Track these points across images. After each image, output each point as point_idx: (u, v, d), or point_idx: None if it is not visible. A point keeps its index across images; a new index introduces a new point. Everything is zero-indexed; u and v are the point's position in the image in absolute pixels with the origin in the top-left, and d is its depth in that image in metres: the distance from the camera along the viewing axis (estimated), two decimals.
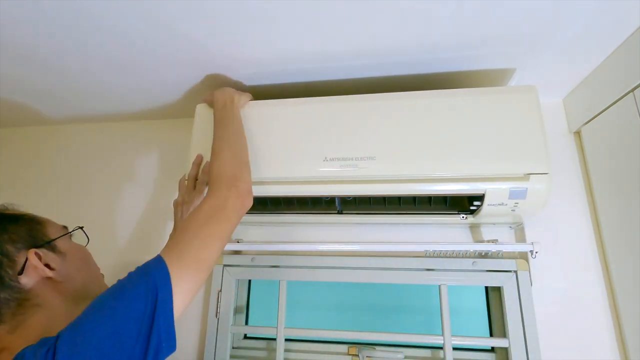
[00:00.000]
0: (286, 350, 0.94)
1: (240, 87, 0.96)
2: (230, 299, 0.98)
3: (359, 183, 0.77)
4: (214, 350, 0.94)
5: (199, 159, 0.83)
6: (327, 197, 0.84)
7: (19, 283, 0.50)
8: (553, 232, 0.90)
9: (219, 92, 0.84)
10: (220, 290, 0.98)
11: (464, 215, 0.84)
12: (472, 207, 0.81)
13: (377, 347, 0.94)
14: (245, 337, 1.06)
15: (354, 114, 0.80)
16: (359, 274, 0.95)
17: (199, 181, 0.82)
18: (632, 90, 0.74)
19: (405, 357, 0.93)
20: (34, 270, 0.52)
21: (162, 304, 0.46)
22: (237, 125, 0.78)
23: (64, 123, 1.26)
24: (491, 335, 0.95)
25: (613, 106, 0.80)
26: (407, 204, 0.87)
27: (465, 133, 0.75)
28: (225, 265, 1.00)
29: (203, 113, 0.88)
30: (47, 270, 0.53)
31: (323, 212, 0.89)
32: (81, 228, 0.67)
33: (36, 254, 0.53)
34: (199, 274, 0.52)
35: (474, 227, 0.96)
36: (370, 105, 0.80)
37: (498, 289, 0.93)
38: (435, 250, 0.90)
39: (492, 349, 0.94)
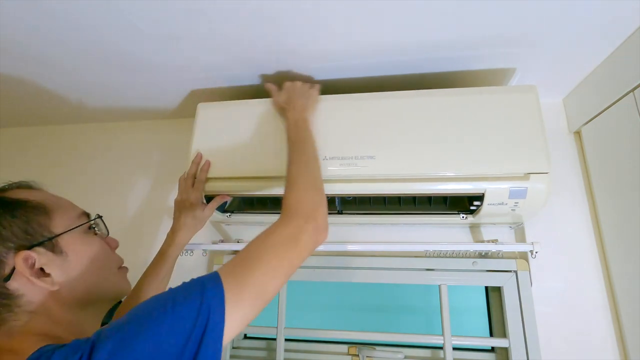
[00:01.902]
0: (286, 350, 0.93)
1: (241, 86, 0.96)
2: None
3: (358, 182, 0.77)
4: None
5: (199, 157, 0.83)
6: (327, 197, 0.84)
7: (7, 289, 0.44)
8: (553, 232, 0.90)
9: (293, 99, 0.79)
10: None
11: (464, 215, 0.84)
12: (472, 207, 0.81)
13: (377, 347, 0.94)
14: (245, 337, 1.06)
15: (354, 113, 0.80)
16: (359, 274, 0.95)
17: (197, 179, 0.82)
18: (632, 90, 0.74)
19: (405, 357, 0.93)
20: (22, 276, 0.45)
21: (212, 331, 0.41)
22: (313, 146, 0.71)
23: (64, 123, 1.27)
24: (491, 335, 0.95)
25: (613, 106, 0.80)
26: (407, 203, 0.87)
27: (465, 132, 0.75)
28: None
29: (204, 113, 0.88)
30: (37, 279, 0.45)
31: None
32: (100, 217, 0.57)
33: (27, 257, 0.45)
34: (255, 307, 0.46)
35: (474, 227, 0.96)
36: (370, 104, 0.80)
37: (498, 289, 0.93)
38: (435, 250, 0.90)
39: (492, 349, 0.94)
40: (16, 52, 0.84)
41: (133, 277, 0.75)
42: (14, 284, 0.44)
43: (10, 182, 0.55)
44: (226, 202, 0.88)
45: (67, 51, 0.83)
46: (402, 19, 0.70)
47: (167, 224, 0.80)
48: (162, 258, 0.76)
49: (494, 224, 0.93)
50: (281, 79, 0.89)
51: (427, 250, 0.90)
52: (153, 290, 0.73)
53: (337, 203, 0.86)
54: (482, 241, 0.94)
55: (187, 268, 0.99)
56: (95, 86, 1.00)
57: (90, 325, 0.50)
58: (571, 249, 0.89)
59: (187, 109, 1.09)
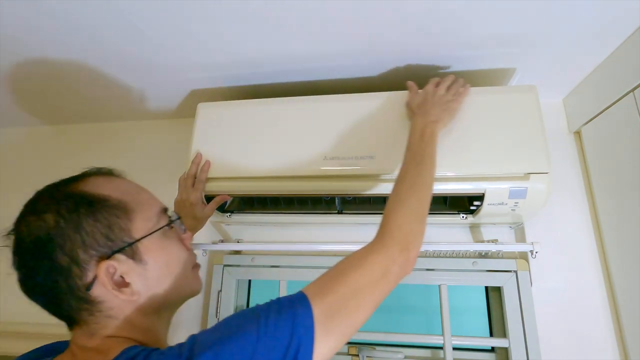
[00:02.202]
0: None
1: (241, 86, 0.96)
2: (230, 299, 0.98)
3: (358, 182, 0.77)
4: None
5: (199, 157, 0.83)
6: (327, 197, 0.84)
7: (89, 296, 0.43)
8: (553, 232, 0.90)
9: (427, 105, 0.71)
10: (221, 291, 0.98)
11: (464, 215, 0.84)
12: (472, 207, 0.81)
13: (377, 347, 0.94)
14: None
15: (354, 113, 0.80)
16: None
17: (197, 179, 0.82)
18: (632, 90, 0.74)
19: (405, 357, 0.93)
20: (103, 286, 0.43)
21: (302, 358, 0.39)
22: (432, 165, 0.63)
23: (63, 123, 1.27)
24: (491, 335, 0.95)
25: (613, 106, 0.80)
26: None
27: (466, 132, 0.75)
28: (225, 265, 1.00)
29: (204, 113, 0.88)
30: (118, 290, 0.44)
31: (323, 212, 0.89)
32: (179, 218, 0.54)
33: (108, 267, 0.43)
34: (343, 340, 0.44)
35: (474, 227, 0.96)
36: (370, 103, 0.80)
37: (498, 289, 0.93)
38: (435, 250, 0.90)
39: (492, 349, 0.94)
40: (15, 51, 0.84)
41: None
42: (95, 292, 0.43)
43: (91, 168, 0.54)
44: (226, 202, 0.88)
45: (66, 51, 0.83)
46: (402, 19, 0.70)
47: None
48: None
49: (494, 224, 0.93)
50: (281, 79, 0.89)
51: (427, 250, 0.90)
52: None
53: (337, 203, 0.86)
54: (482, 241, 0.94)
55: None
56: (95, 86, 1.00)
57: (163, 328, 0.50)
58: (571, 249, 0.89)
59: (187, 109, 1.09)
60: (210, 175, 0.82)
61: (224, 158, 0.83)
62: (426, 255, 0.93)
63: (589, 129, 0.91)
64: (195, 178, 0.82)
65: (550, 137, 0.76)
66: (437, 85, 0.76)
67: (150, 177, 1.15)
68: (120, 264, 0.44)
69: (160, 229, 0.49)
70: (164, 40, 0.78)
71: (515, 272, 0.88)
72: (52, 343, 0.54)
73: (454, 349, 0.86)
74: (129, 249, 0.45)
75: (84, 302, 0.43)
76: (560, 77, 0.89)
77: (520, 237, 0.92)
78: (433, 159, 0.64)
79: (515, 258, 0.90)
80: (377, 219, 0.87)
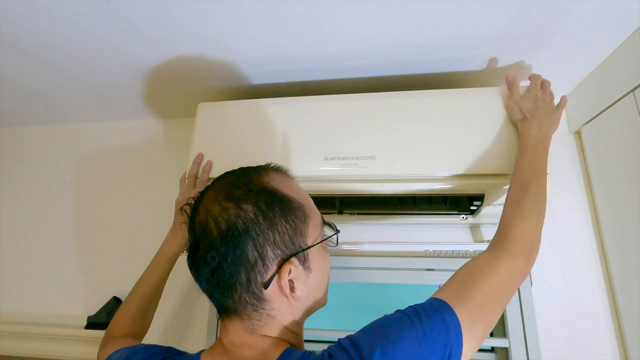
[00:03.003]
0: None
1: (241, 86, 0.96)
2: None
3: (359, 182, 0.77)
4: None
5: (200, 157, 0.83)
6: (327, 197, 0.84)
7: (262, 293, 0.44)
8: (553, 232, 0.90)
9: (540, 114, 0.68)
10: None
11: (464, 215, 0.84)
12: (472, 207, 0.81)
13: None
14: None
15: (354, 113, 0.80)
16: (359, 274, 0.95)
17: (199, 179, 0.82)
18: (632, 90, 0.74)
19: None
20: (279, 286, 0.45)
21: None
22: (546, 178, 0.63)
23: (63, 123, 1.27)
24: (491, 335, 0.95)
25: (613, 106, 0.80)
26: (407, 203, 0.87)
27: (466, 133, 0.75)
28: None
29: (204, 112, 0.88)
30: (288, 292, 0.45)
31: (323, 212, 0.89)
32: (337, 232, 0.54)
33: (288, 269, 0.44)
34: (478, 345, 0.45)
35: (474, 227, 0.96)
36: (371, 104, 0.80)
37: None
38: (435, 250, 0.90)
39: (492, 349, 0.94)
40: (15, 52, 0.84)
41: (133, 276, 0.75)
42: (268, 290, 0.44)
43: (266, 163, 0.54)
44: None
45: (66, 51, 0.83)
46: (401, 19, 0.70)
47: (167, 224, 0.80)
48: (162, 258, 0.76)
49: (494, 224, 0.93)
50: (281, 79, 0.89)
51: (427, 250, 0.90)
52: (152, 289, 0.73)
53: (337, 203, 0.86)
54: (482, 241, 0.94)
55: (187, 267, 0.99)
56: (95, 86, 1.00)
57: (302, 334, 0.51)
58: (571, 249, 0.89)
59: (187, 109, 1.09)
60: (211, 175, 0.82)
61: (224, 158, 0.83)
62: (426, 255, 0.93)
63: (589, 129, 0.91)
64: (197, 178, 0.82)
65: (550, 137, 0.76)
66: (542, 87, 0.72)
67: (151, 177, 1.16)
68: (295, 268, 0.45)
69: (328, 238, 0.51)
70: (163, 39, 0.78)
71: None
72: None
73: None
74: (302, 254, 0.46)
75: (255, 297, 0.44)
76: (561, 77, 0.89)
77: None
78: (546, 171, 0.64)
79: None
80: (377, 219, 0.88)
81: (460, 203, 0.85)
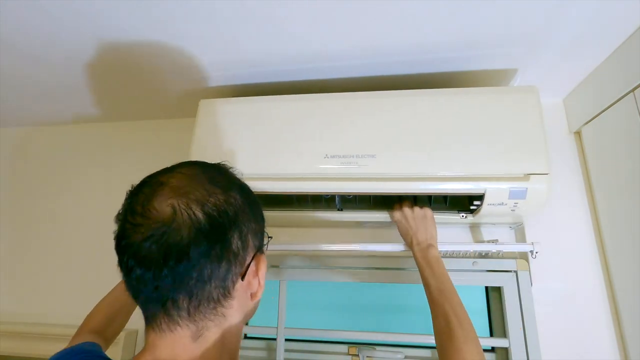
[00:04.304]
0: (286, 350, 0.93)
1: (241, 86, 0.96)
2: None
3: (359, 181, 0.77)
4: None
5: None
6: (327, 195, 0.84)
7: (233, 286, 0.40)
8: (553, 232, 0.90)
9: (410, 234, 0.78)
10: None
11: (463, 214, 0.84)
12: (472, 207, 0.81)
13: (377, 347, 0.94)
14: (245, 337, 1.06)
15: (355, 112, 0.80)
16: (359, 274, 0.95)
17: None
18: (632, 90, 0.74)
19: (405, 357, 0.93)
20: (251, 279, 0.42)
21: None
22: (450, 283, 0.67)
23: (63, 123, 1.27)
24: (491, 335, 0.95)
25: (613, 106, 0.80)
26: None
27: (466, 132, 0.75)
28: None
29: (205, 109, 0.88)
30: (256, 287, 0.43)
31: (323, 211, 0.89)
32: (270, 238, 0.51)
33: (260, 261, 0.43)
34: None
35: (474, 227, 0.96)
36: (371, 102, 0.80)
37: (498, 289, 0.93)
38: None
39: (492, 349, 0.94)
40: (14, 51, 0.84)
41: None
42: (239, 284, 0.41)
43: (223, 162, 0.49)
44: None
45: (66, 51, 0.83)
46: (402, 19, 0.70)
47: None
48: None
49: (494, 224, 0.93)
50: (282, 78, 0.89)
51: None
52: (125, 295, 0.72)
53: (337, 201, 0.86)
54: (482, 241, 0.94)
55: None
56: (95, 86, 1.00)
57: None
58: (571, 249, 0.89)
59: (187, 109, 1.09)
60: None
61: (223, 155, 0.83)
62: None
63: (589, 129, 0.91)
64: None
65: (551, 137, 0.76)
66: (402, 208, 0.80)
67: None
68: (259, 263, 0.43)
69: (268, 240, 0.49)
70: (163, 39, 0.78)
71: (516, 272, 0.88)
72: (75, 349, 0.53)
73: None
74: (258, 253, 0.44)
75: (222, 293, 0.39)
76: (560, 77, 0.89)
77: (520, 237, 0.92)
78: (452, 284, 0.67)
79: (515, 258, 0.90)
80: (377, 216, 0.88)
81: (460, 202, 0.85)
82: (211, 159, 0.48)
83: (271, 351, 1.00)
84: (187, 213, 0.37)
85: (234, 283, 0.40)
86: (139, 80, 0.96)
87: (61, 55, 0.86)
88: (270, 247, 0.94)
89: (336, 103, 0.82)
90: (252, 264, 0.42)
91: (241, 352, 1.01)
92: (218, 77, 0.93)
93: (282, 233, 1.02)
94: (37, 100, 1.10)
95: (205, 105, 0.89)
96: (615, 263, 0.83)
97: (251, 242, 0.42)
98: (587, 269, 0.87)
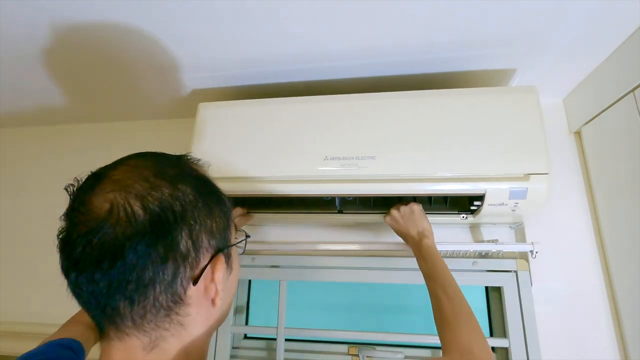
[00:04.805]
0: (286, 350, 0.94)
1: (241, 86, 0.96)
2: None
3: (359, 182, 0.77)
4: (214, 351, 0.94)
5: None
6: (327, 197, 0.84)
7: (185, 292, 0.36)
8: (553, 232, 0.90)
9: (402, 231, 0.79)
10: None
11: (464, 215, 0.84)
12: (472, 207, 0.81)
13: (377, 347, 0.94)
14: (245, 337, 1.06)
15: (354, 113, 0.80)
16: (359, 274, 0.95)
17: None
18: (632, 90, 0.74)
19: (405, 357, 0.93)
20: (207, 283, 0.38)
21: None
22: (448, 274, 0.67)
23: (63, 123, 1.27)
24: (491, 335, 0.95)
25: (613, 106, 0.80)
26: None
27: (466, 133, 0.75)
28: None
29: (204, 113, 0.88)
30: (214, 292, 0.38)
31: (323, 212, 0.89)
32: (248, 237, 0.48)
33: (219, 263, 0.38)
34: None
35: (474, 227, 0.96)
36: (370, 104, 0.80)
37: (498, 289, 0.93)
38: None
39: (492, 349, 0.94)
40: (15, 50, 0.84)
41: None
42: (192, 290, 0.36)
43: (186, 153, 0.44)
44: None
45: (66, 51, 0.83)
46: (402, 19, 0.70)
47: None
48: None
49: (494, 224, 0.93)
50: (282, 79, 0.89)
51: None
52: None
53: (337, 203, 0.86)
54: (482, 241, 0.94)
55: None
56: (95, 86, 1.00)
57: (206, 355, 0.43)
58: (571, 249, 0.89)
59: (187, 109, 1.09)
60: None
61: (223, 158, 0.83)
62: None
63: (589, 129, 0.91)
64: None
65: (551, 137, 0.76)
66: (397, 209, 0.80)
67: None
68: (221, 265, 0.39)
69: (246, 238, 0.45)
70: (163, 39, 0.78)
71: (516, 272, 0.88)
72: (53, 344, 0.51)
73: None
74: (227, 250, 0.40)
75: (173, 299, 0.35)
76: (560, 77, 0.89)
77: (520, 237, 0.92)
78: (445, 268, 0.68)
79: (515, 258, 0.90)
80: (377, 218, 0.88)
81: (460, 203, 0.85)
82: (210, 163, 0.46)
83: (271, 351, 1.00)
84: (125, 209, 0.33)
85: (184, 288, 0.36)
86: (138, 80, 0.96)
87: (60, 54, 0.85)
88: (271, 247, 0.96)
89: (335, 105, 0.82)
90: (209, 267, 0.37)
91: (241, 352, 1.01)
92: (218, 77, 0.93)
93: (282, 233, 1.02)
94: (36, 100, 1.10)
95: (204, 108, 0.89)
96: (615, 263, 0.83)
97: (206, 242, 0.37)
98: (587, 269, 0.87)
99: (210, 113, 0.87)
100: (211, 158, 0.82)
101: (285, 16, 0.69)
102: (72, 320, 0.64)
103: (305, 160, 0.79)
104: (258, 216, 0.92)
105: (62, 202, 0.39)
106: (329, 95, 0.83)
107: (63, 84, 1.00)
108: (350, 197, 0.85)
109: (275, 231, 1.03)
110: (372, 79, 0.90)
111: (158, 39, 0.78)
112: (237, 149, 0.83)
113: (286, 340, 0.94)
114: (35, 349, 0.50)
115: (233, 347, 1.01)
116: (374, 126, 0.79)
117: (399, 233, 0.81)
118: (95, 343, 0.59)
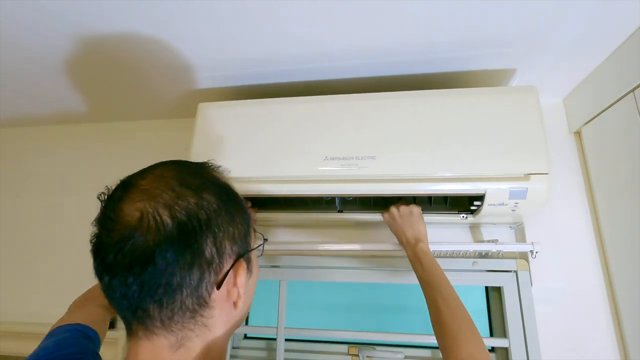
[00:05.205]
0: (286, 350, 0.93)
1: (241, 86, 0.96)
2: None
3: (359, 182, 0.77)
4: None
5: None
6: (327, 197, 0.84)
7: (209, 295, 0.38)
8: (553, 232, 0.90)
9: (399, 233, 0.79)
10: None
11: (464, 215, 0.84)
12: (472, 207, 0.81)
13: (377, 347, 0.94)
14: (245, 337, 1.06)
15: (354, 113, 0.80)
16: (359, 274, 0.95)
17: None
18: (632, 90, 0.74)
19: (405, 357, 0.93)
20: (230, 288, 0.40)
21: None
22: (444, 278, 0.66)
23: (63, 123, 1.27)
24: (491, 335, 0.95)
25: (613, 106, 0.80)
26: None
27: (466, 133, 0.75)
28: None
29: (204, 113, 0.88)
30: (237, 295, 0.40)
31: (323, 212, 0.89)
32: (265, 240, 0.51)
33: (242, 268, 0.40)
34: None
35: (474, 227, 0.96)
36: (371, 104, 0.80)
37: (498, 289, 0.93)
38: (435, 250, 0.90)
39: (492, 349, 0.94)
40: (14, 51, 0.84)
41: None
42: (216, 294, 0.39)
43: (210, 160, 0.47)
44: None
45: (66, 51, 0.83)
46: (402, 19, 0.70)
47: None
48: None
49: (494, 224, 0.93)
50: (282, 79, 0.89)
51: None
52: None
53: (337, 203, 0.86)
54: (482, 241, 0.94)
55: None
56: (95, 86, 1.00)
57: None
58: (571, 249, 0.89)
59: (187, 109, 1.09)
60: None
61: (223, 158, 0.83)
62: None
63: (589, 129, 0.91)
64: None
65: (551, 137, 0.76)
66: (397, 207, 0.81)
67: None
68: (242, 269, 0.41)
69: (264, 242, 0.47)
70: (163, 40, 0.78)
71: (515, 272, 0.88)
72: (69, 337, 0.52)
73: None
74: (248, 255, 0.42)
75: (198, 302, 0.38)
76: (560, 77, 0.89)
77: (520, 237, 0.92)
78: (442, 274, 0.67)
79: (515, 258, 0.90)
80: (377, 218, 0.88)
81: (460, 203, 0.85)
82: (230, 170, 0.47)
83: (271, 351, 1.00)
84: (154, 217, 0.36)
85: (209, 292, 0.38)
86: (138, 80, 0.96)
87: (60, 55, 0.85)
88: (271, 247, 0.95)
89: (335, 105, 0.82)
90: (231, 272, 0.40)
91: (241, 352, 1.01)
92: (218, 77, 0.93)
93: (282, 233, 1.02)
94: (37, 100, 1.10)
95: (203, 108, 0.89)
96: (615, 263, 0.83)
97: (229, 248, 0.40)
98: (587, 269, 0.87)
99: (210, 113, 0.87)
100: (211, 158, 0.83)
101: (285, 16, 0.69)
102: (88, 297, 0.67)
103: (305, 160, 0.79)
104: (258, 216, 0.92)
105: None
106: (329, 95, 0.83)
107: (63, 84, 1.00)
108: (350, 197, 0.85)
109: (275, 231, 1.03)
110: (372, 79, 0.90)
111: (158, 40, 0.78)
112: (237, 149, 0.83)
113: (286, 340, 0.94)
114: (58, 340, 0.52)
115: (233, 347, 1.01)
116: (374, 126, 0.79)
117: (395, 233, 0.82)
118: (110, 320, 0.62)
